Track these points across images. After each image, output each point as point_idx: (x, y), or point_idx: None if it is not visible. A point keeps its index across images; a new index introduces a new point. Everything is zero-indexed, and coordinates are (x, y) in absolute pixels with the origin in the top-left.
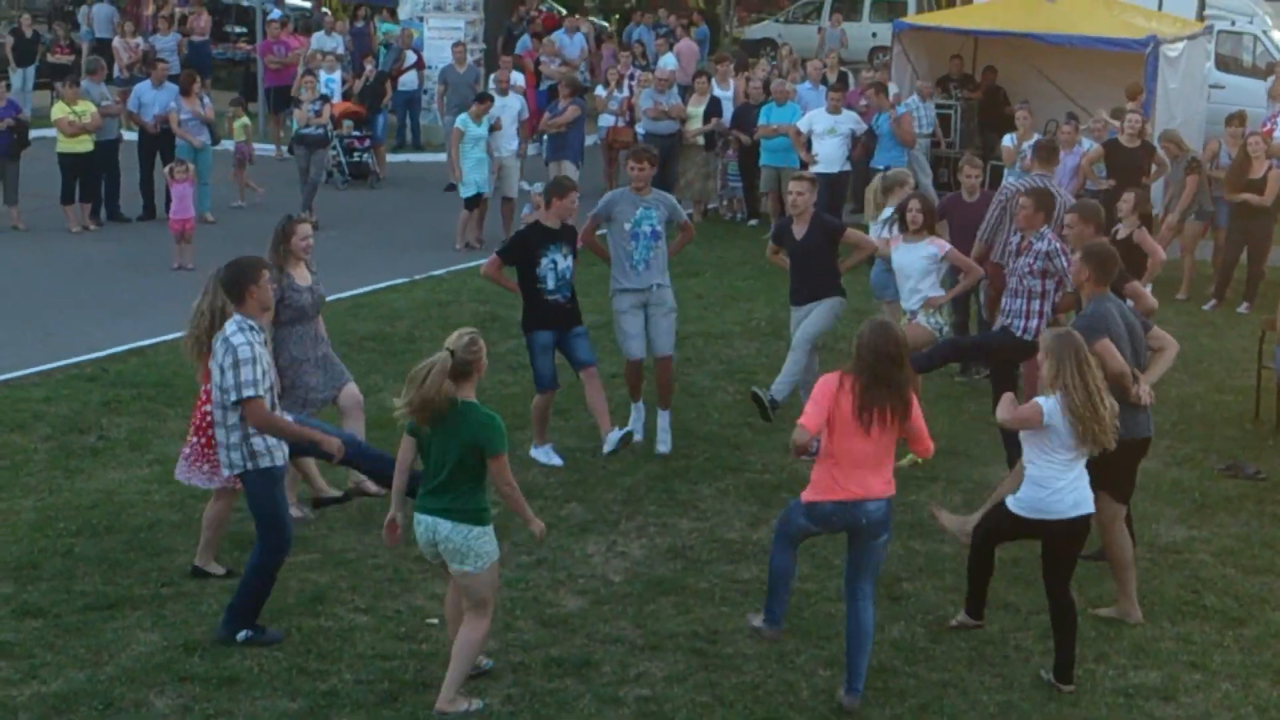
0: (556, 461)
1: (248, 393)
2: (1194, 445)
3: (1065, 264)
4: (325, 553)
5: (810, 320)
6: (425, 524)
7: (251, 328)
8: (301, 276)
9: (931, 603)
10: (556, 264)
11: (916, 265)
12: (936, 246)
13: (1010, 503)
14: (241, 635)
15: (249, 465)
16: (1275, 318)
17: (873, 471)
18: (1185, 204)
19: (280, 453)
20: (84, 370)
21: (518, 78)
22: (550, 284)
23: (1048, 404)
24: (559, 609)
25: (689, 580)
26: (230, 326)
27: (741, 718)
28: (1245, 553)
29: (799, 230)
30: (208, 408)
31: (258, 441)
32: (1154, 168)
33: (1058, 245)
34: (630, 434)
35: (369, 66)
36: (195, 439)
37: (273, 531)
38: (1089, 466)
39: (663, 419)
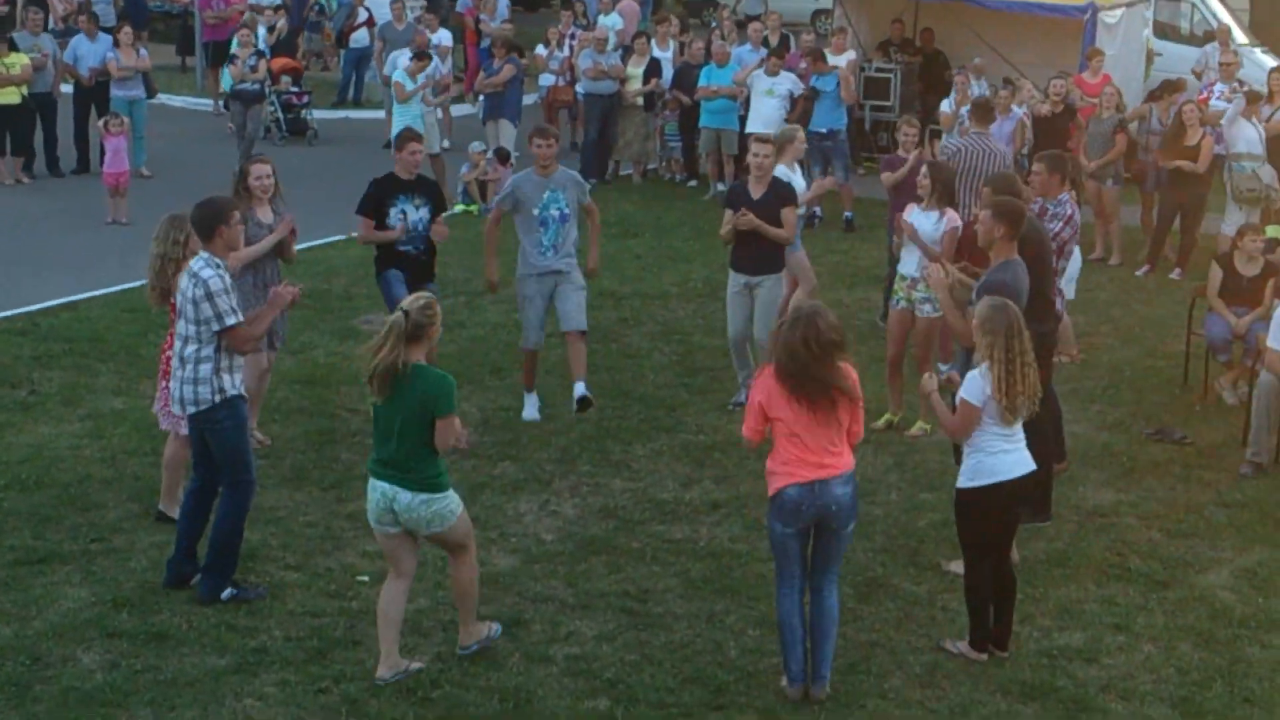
0: None
1: (229, 320)
2: (1123, 410)
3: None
4: (256, 510)
5: (760, 320)
6: (381, 490)
7: (218, 264)
8: (264, 214)
9: (860, 563)
10: (406, 214)
11: (926, 235)
12: (948, 220)
13: (960, 484)
14: (226, 594)
15: (216, 398)
16: (1205, 285)
17: (827, 449)
18: (1109, 161)
19: (241, 383)
20: (15, 324)
21: (443, 36)
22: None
23: (974, 392)
24: (490, 567)
25: (620, 540)
26: (197, 262)
27: (670, 676)
28: (1171, 517)
29: (756, 191)
30: (169, 352)
31: (225, 376)
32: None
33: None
34: None
35: (280, 21)
36: (164, 383)
37: (240, 467)
38: None
39: (579, 388)
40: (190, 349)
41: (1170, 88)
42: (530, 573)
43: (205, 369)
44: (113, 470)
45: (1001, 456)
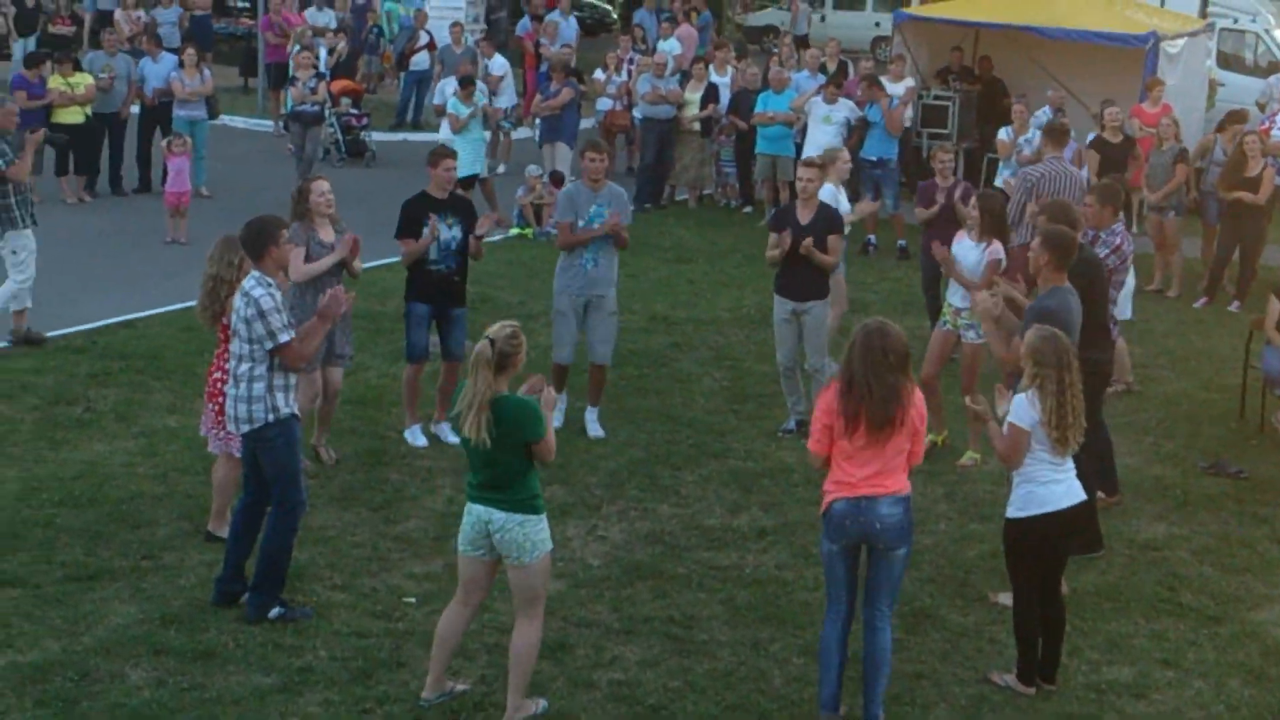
0: (422, 442)
1: (282, 338)
2: (1178, 442)
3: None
4: (304, 530)
5: (810, 345)
6: (476, 514)
7: (269, 283)
8: (326, 233)
9: (907, 593)
10: (439, 233)
11: (971, 266)
12: (990, 252)
13: (1010, 514)
14: (273, 613)
15: (270, 418)
16: (1264, 317)
17: (882, 471)
18: (1169, 192)
19: (294, 402)
20: (73, 342)
21: (498, 64)
22: (432, 253)
23: (1023, 416)
24: None
25: (667, 566)
26: (249, 281)
27: (713, 704)
28: (1224, 551)
29: (804, 216)
30: (218, 374)
31: (279, 395)
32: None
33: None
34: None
35: (341, 44)
36: (211, 405)
37: (291, 487)
38: None
39: (590, 413)
40: (244, 367)
41: (1234, 118)
42: (576, 597)
43: (259, 387)
44: (164, 488)
45: (1052, 486)
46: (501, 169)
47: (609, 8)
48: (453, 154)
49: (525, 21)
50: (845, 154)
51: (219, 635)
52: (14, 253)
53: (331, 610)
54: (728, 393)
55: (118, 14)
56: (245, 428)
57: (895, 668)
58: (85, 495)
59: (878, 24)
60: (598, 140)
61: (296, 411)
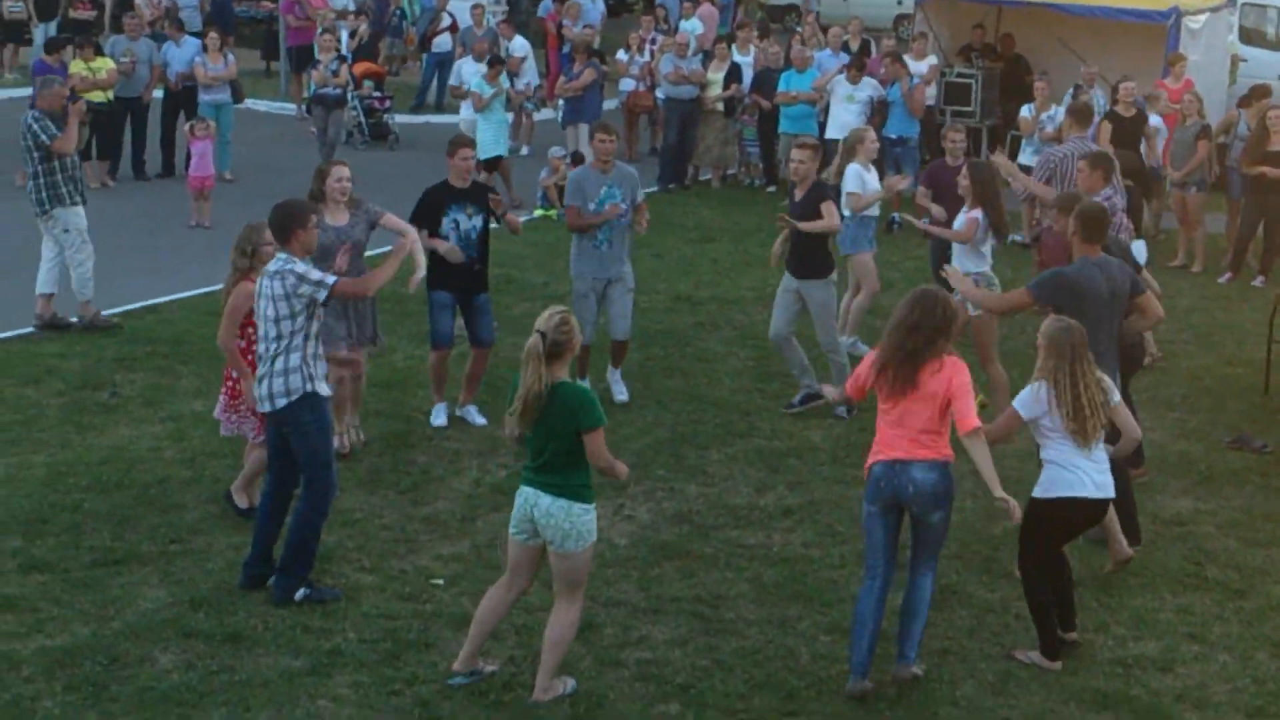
0: (441, 422)
1: (330, 279)
2: (1202, 417)
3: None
4: (333, 512)
5: (817, 328)
6: (525, 496)
7: (295, 260)
8: (337, 217)
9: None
10: (459, 224)
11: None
12: (970, 216)
13: (1036, 493)
14: (300, 595)
15: (307, 387)
16: None
17: (917, 436)
18: (1192, 168)
19: (325, 385)
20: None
21: (519, 45)
22: (451, 242)
23: (1025, 405)
24: None
25: (694, 545)
26: (274, 263)
27: (741, 682)
28: (1248, 525)
29: (798, 195)
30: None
31: (311, 376)
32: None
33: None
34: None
35: (363, 26)
36: (224, 389)
37: (323, 470)
38: None
39: (613, 374)
40: (273, 348)
41: (1258, 93)
42: (603, 576)
43: (295, 358)
44: (192, 472)
45: (1079, 474)
46: (525, 151)
47: None
48: (470, 143)
49: (548, 3)
50: (871, 134)
51: (247, 618)
52: (65, 231)
53: (360, 592)
54: (753, 372)
55: None
56: (282, 401)
57: (922, 644)
58: (112, 480)
59: (900, 2)
60: (606, 123)
61: (329, 393)
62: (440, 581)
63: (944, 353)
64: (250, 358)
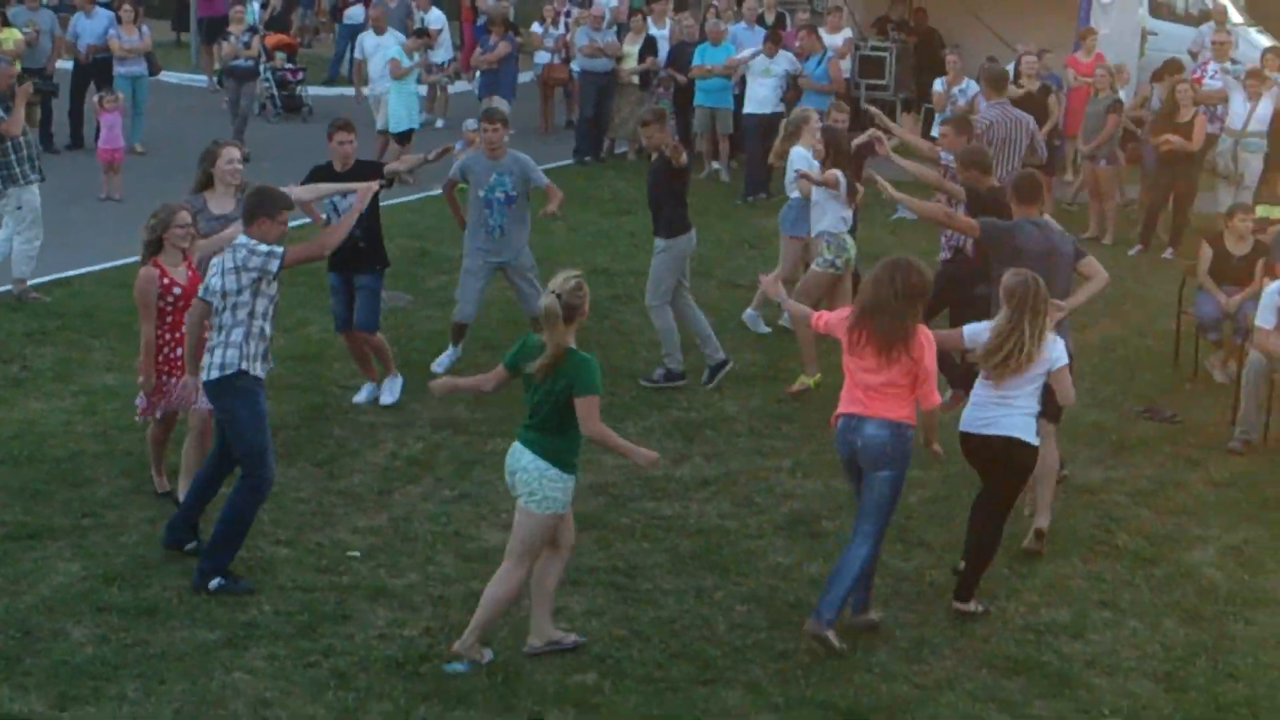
0: (361, 399)
1: (279, 250)
2: (1114, 387)
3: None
4: None
5: (649, 282)
6: (511, 451)
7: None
8: (219, 204)
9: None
10: (336, 205)
11: (816, 195)
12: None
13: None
14: (214, 584)
15: (242, 365)
16: (1196, 263)
17: (874, 394)
18: (1101, 141)
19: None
20: (7, 300)
21: (435, 17)
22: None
23: (971, 333)
24: (480, 543)
25: (611, 516)
26: (240, 239)
27: (658, 651)
28: (1158, 494)
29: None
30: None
31: (250, 355)
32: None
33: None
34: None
35: None
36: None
37: (255, 459)
38: None
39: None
40: (222, 319)
41: (1171, 68)
42: None
43: (237, 334)
44: (104, 446)
45: (981, 410)
46: (440, 124)
47: None
48: (348, 125)
49: None
50: (815, 116)
51: (162, 592)
52: (18, 208)
53: (276, 565)
54: None
55: None
56: (209, 374)
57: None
58: (24, 454)
59: None
60: (491, 109)
61: (262, 375)
62: (357, 554)
63: (915, 320)
64: (170, 352)
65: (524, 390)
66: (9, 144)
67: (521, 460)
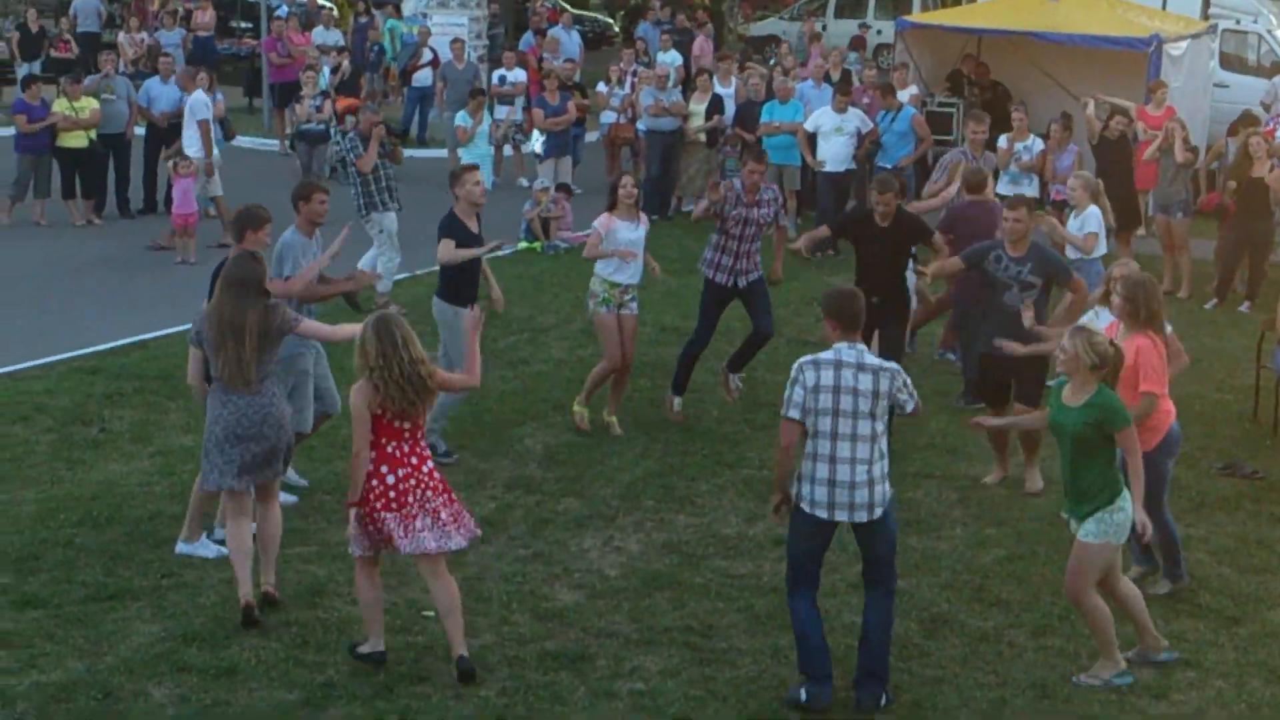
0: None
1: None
2: (1193, 444)
3: None
4: (323, 545)
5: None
6: None
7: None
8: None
9: (925, 599)
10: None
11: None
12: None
13: None
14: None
15: None
16: (1275, 317)
17: None
18: (1175, 193)
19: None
20: (86, 363)
21: (519, 74)
22: None
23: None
24: (555, 603)
25: (685, 575)
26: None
27: (734, 712)
28: (1241, 552)
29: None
30: None
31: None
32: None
33: None
34: None
35: (345, 63)
36: None
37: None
38: None
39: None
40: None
41: (1246, 121)
42: (594, 608)
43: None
44: (182, 506)
45: None
46: (527, 183)
47: (610, 20)
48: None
49: (528, 36)
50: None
51: (240, 652)
52: (380, 231)
53: (351, 625)
54: (740, 402)
55: (121, 36)
56: None
57: (915, 672)
58: (104, 515)
59: (879, 31)
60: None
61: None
62: (432, 614)
63: None
64: None
65: None
66: (370, 175)
67: None
